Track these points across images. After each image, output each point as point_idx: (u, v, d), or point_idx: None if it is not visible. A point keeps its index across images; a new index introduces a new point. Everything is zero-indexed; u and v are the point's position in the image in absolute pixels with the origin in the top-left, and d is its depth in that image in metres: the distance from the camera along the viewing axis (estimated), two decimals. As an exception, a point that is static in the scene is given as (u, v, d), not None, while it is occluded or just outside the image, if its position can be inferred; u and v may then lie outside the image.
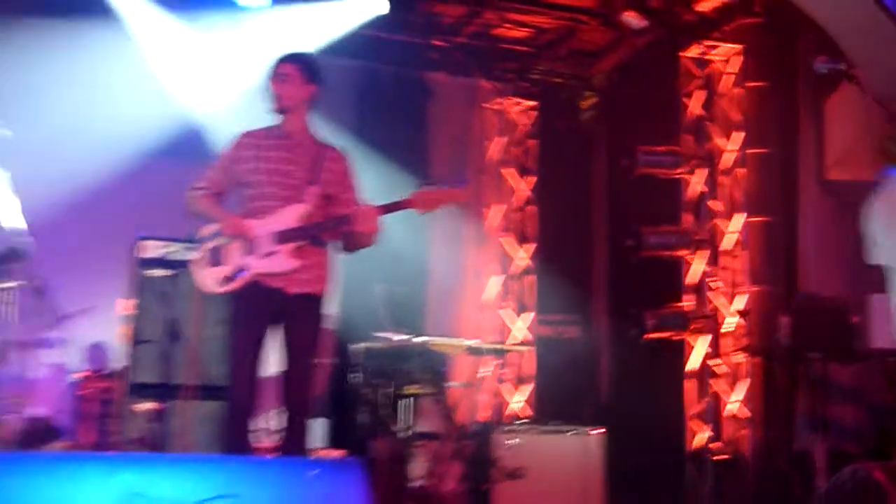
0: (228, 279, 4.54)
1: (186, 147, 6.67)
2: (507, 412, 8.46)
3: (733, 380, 7.50)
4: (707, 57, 7.98)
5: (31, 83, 6.82)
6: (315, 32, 7.10)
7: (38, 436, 6.12)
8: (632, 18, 7.46)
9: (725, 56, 7.89)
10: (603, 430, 6.32)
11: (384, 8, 7.23)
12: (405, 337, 6.17)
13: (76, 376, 6.64)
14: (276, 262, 4.51)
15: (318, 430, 6.37)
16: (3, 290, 5.22)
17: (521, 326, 8.75)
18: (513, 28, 8.37)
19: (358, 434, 6.23)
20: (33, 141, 6.22)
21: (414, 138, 8.07)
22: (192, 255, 5.72)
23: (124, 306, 5.82)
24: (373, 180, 4.82)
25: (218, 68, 7.01)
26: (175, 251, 5.84)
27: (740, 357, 7.47)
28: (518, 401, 8.58)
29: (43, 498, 2.24)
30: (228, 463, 2.82)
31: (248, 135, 4.68)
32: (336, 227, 4.56)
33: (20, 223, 4.70)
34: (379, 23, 7.48)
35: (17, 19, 6.77)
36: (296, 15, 7.16)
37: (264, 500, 2.38)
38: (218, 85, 6.81)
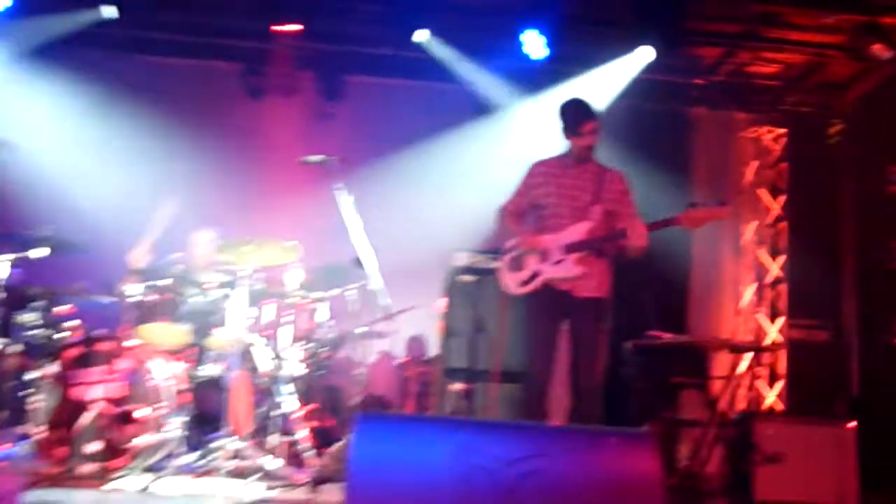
0: (525, 282, 4.68)
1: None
2: (762, 405, 8.09)
3: None
4: (953, 81, 7.34)
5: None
6: (603, 91, 7.19)
7: (373, 409, 6.49)
8: (879, 51, 6.96)
9: (973, 80, 7.22)
10: (855, 423, 5.90)
11: (652, 55, 7.16)
12: (671, 336, 6.07)
13: (401, 362, 7.00)
14: (563, 269, 4.60)
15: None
16: (349, 290, 5.61)
17: (773, 329, 8.37)
18: (765, 65, 8.06)
19: (629, 421, 6.18)
20: (375, 172, 6.68)
21: (678, 166, 7.91)
22: (493, 265, 5.93)
23: (439, 306, 6.09)
24: (642, 204, 4.79)
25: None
26: (480, 261, 6.04)
27: None
28: (772, 396, 8.19)
29: (399, 449, 2.38)
30: (539, 430, 2.89)
31: (542, 164, 4.81)
32: (613, 240, 4.58)
33: (363, 238, 5.02)
34: (646, 68, 7.43)
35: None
36: (589, 79, 7.29)
37: (570, 461, 2.42)
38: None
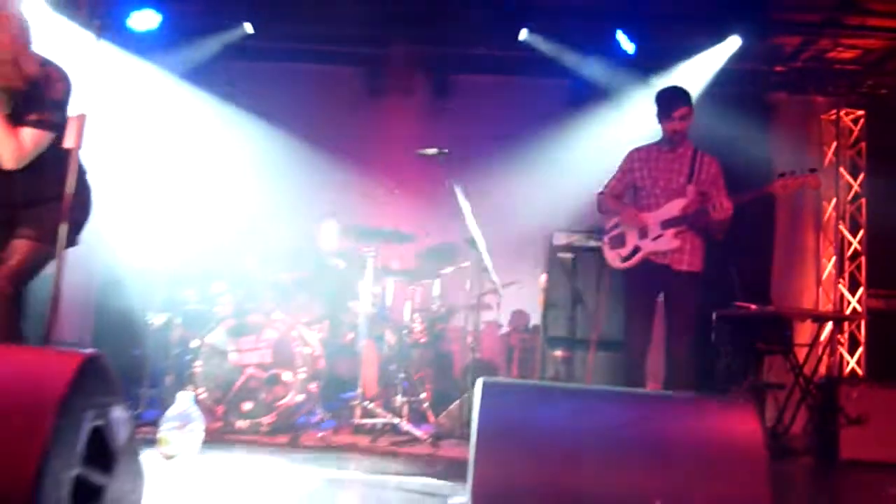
0: (627, 257, 4.59)
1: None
2: (844, 371, 7.75)
3: None
4: None
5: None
6: (693, 81, 6.93)
7: (482, 373, 6.47)
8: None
9: None
10: (937, 386, 5.58)
11: (737, 45, 6.87)
12: (756, 306, 5.87)
13: (506, 331, 6.99)
14: (661, 243, 4.50)
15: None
16: (461, 267, 5.62)
17: (853, 299, 7.98)
18: (844, 50, 7.63)
19: (718, 385, 6.02)
20: (483, 161, 6.65)
21: (759, 148, 7.56)
22: (588, 243, 5.84)
23: (541, 280, 6.04)
24: (728, 184, 4.63)
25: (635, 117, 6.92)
26: (578, 239, 5.97)
27: None
28: (853, 362, 7.83)
29: (518, 412, 2.35)
30: (645, 396, 2.82)
31: (639, 150, 4.71)
32: (703, 216, 4.44)
33: (473, 221, 5.02)
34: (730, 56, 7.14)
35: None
36: (679, 71, 7.05)
37: (675, 425, 2.33)
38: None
